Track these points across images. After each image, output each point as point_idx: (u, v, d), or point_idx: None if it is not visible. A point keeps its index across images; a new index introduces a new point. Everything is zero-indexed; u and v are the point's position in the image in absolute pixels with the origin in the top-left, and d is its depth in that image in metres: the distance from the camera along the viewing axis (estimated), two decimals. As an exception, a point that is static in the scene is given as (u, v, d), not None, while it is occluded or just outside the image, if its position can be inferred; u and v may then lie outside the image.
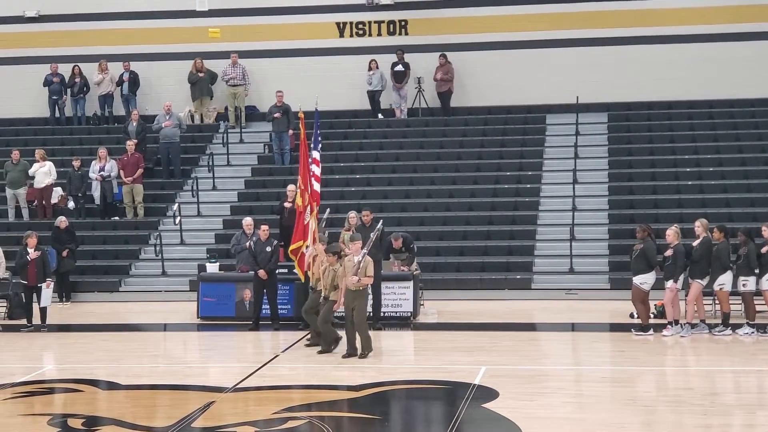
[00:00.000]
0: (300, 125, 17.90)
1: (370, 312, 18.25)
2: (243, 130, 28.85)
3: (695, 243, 18.17)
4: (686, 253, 18.05)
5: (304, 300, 17.78)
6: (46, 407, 14.15)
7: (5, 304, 21.36)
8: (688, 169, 25.98)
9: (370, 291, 17.60)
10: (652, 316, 18.77)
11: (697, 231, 18.29)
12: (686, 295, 18.37)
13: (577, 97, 27.54)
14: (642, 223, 19.44)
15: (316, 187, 18.12)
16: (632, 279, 18.34)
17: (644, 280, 18.13)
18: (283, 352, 16.91)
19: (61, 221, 23.46)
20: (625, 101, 28.21)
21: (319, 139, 18.65)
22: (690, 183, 25.53)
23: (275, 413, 13.18)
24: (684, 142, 26.98)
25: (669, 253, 18.06)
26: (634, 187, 25.68)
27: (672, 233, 18.18)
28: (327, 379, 15.26)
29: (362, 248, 16.58)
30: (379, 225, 18.56)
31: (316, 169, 18.23)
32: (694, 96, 27.92)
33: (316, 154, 18.30)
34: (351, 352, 16.43)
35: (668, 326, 18.14)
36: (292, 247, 18.17)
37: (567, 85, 27.94)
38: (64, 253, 23.04)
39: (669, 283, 18.08)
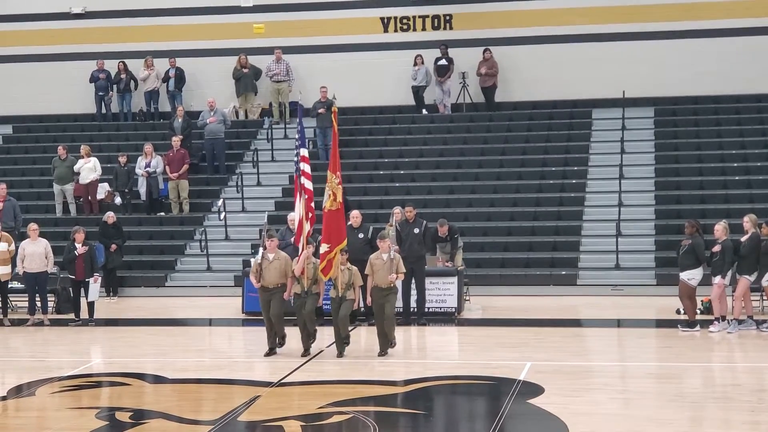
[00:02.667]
0: (333, 119, 17.53)
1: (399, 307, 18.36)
2: (287, 125, 28.93)
3: (743, 239, 18.02)
4: (734, 249, 17.90)
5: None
6: (93, 400, 14.29)
7: (53, 299, 21.55)
8: (735, 164, 25.75)
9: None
10: (699, 312, 18.62)
11: (746, 226, 18.15)
12: (733, 291, 18.23)
13: (624, 92, 27.35)
14: (689, 218, 19.31)
15: (308, 185, 16.95)
16: (679, 275, 18.21)
17: (692, 276, 18.00)
18: (327, 347, 16.93)
19: (109, 216, 23.65)
20: (671, 96, 27.98)
21: (306, 137, 17.81)
22: (737, 178, 25.31)
23: (320, 408, 13.21)
24: (731, 136, 26.74)
25: (717, 248, 17.93)
26: (680, 182, 25.49)
27: (721, 229, 18.05)
28: (372, 374, 15.27)
29: (390, 245, 16.77)
30: (424, 222, 18.59)
31: (306, 167, 17.03)
32: (741, 90, 27.63)
33: (304, 152, 17.15)
34: (385, 349, 16.42)
35: (715, 322, 18.01)
36: (336, 250, 16.28)
37: (613, 79, 27.75)
38: (112, 248, 23.24)
39: (717, 279, 17.95)
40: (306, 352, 16.42)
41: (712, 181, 25.33)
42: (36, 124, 30.89)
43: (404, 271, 16.93)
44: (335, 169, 16.71)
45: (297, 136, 17.60)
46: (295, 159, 17.40)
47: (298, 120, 18.39)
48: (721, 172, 25.64)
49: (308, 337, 16.51)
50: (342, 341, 16.42)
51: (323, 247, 16.26)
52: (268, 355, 16.61)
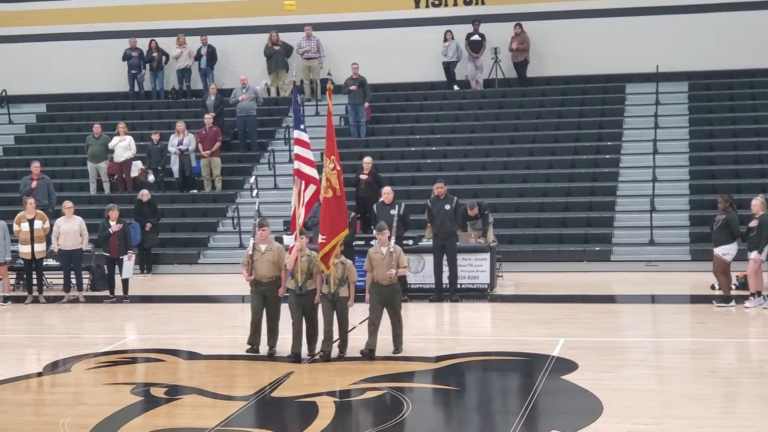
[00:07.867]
0: (328, 97, 15.93)
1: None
2: (318, 102, 28.89)
3: (779, 213, 17.87)
4: (770, 224, 17.77)
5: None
6: (128, 376, 14.37)
7: (88, 276, 21.70)
8: (770, 139, 25.57)
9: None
10: (734, 287, 18.50)
11: (781, 201, 18.01)
12: (769, 267, 18.11)
13: (657, 66, 27.14)
14: (724, 193, 19.16)
15: (306, 170, 15.17)
16: (714, 250, 18.09)
17: (726, 251, 17.89)
18: (360, 323, 16.92)
19: (144, 194, 23.74)
20: (706, 70, 27.76)
21: (301, 118, 16.18)
22: (773, 152, 25.12)
23: (353, 383, 13.25)
24: (766, 111, 26.47)
25: (754, 223, 17.81)
26: (715, 157, 25.29)
27: (758, 203, 17.91)
28: (405, 350, 15.25)
29: (390, 237, 15.23)
30: (452, 201, 18.43)
31: (300, 151, 15.26)
32: (777, 64, 27.41)
33: (299, 134, 15.48)
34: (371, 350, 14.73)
35: (750, 297, 17.90)
36: (333, 241, 14.64)
37: (647, 53, 27.53)
38: (147, 227, 23.32)
39: (753, 254, 17.82)
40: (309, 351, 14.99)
41: (748, 156, 25.11)
42: (69, 102, 31.05)
43: (406, 265, 15.38)
44: (330, 153, 14.95)
45: (291, 117, 16.51)
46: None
47: (293, 100, 17.57)
48: (756, 146, 25.42)
49: (310, 339, 15.04)
50: (330, 343, 14.72)
51: (320, 239, 14.68)
52: (249, 351, 14.96)
